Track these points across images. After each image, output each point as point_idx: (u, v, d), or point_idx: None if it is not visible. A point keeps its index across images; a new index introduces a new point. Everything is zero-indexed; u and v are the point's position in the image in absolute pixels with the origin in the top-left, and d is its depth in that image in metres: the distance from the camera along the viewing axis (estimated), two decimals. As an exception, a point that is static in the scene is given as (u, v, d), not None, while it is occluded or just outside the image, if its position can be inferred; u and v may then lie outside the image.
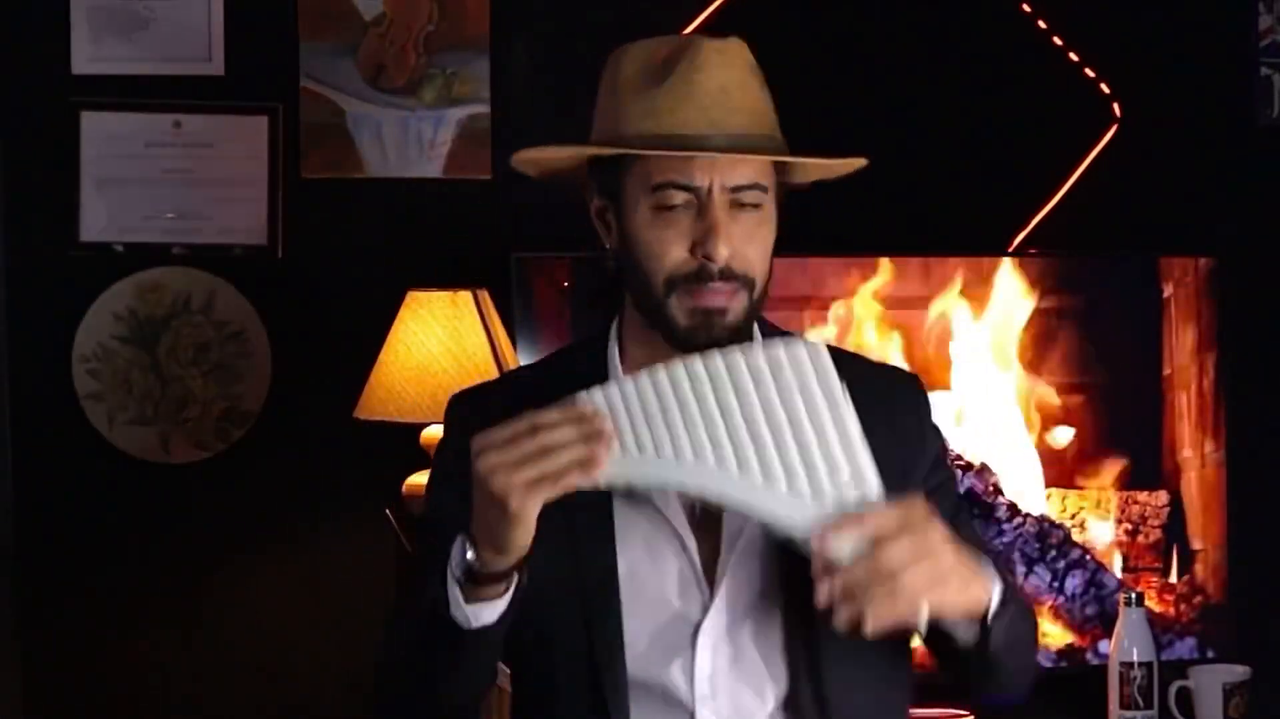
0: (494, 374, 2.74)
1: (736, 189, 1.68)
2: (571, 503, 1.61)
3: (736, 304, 1.68)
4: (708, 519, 1.71)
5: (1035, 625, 1.80)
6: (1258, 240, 3.27)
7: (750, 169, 1.69)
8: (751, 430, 1.57)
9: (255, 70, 3.07)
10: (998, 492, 3.03)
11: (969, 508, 1.83)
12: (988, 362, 3.06)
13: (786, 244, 3.24)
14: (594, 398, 1.58)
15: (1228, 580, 3.11)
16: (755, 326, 1.76)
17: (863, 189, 3.15)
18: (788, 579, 1.68)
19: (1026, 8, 3.22)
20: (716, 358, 1.58)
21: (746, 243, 1.69)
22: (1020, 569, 3.04)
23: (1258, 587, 3.19)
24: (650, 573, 1.70)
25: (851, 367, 1.73)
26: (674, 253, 1.67)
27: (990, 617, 1.60)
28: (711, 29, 3.08)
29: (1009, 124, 3.21)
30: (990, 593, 1.60)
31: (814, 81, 3.16)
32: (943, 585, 1.53)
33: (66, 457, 3.04)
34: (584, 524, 1.69)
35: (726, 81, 1.71)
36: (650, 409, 1.58)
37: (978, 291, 3.05)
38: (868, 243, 3.08)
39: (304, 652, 3.06)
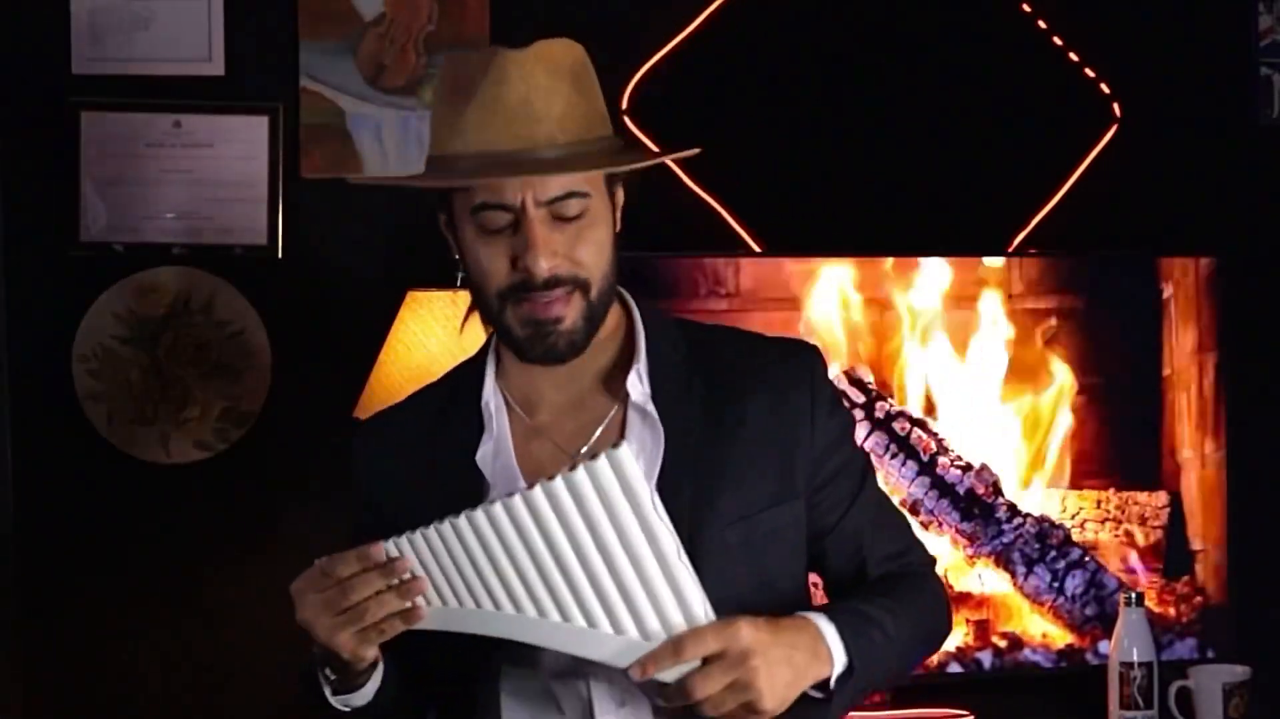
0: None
1: (552, 201, 1.68)
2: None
3: (571, 309, 1.69)
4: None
5: (927, 609, 1.81)
6: (1258, 240, 3.27)
7: (563, 179, 1.68)
8: (565, 572, 1.57)
9: (255, 70, 3.07)
10: (997, 492, 3.03)
11: (872, 476, 1.83)
12: (988, 361, 3.06)
13: (787, 244, 3.25)
14: (400, 546, 1.59)
15: (1228, 580, 3.11)
16: (635, 319, 1.78)
17: (863, 189, 3.17)
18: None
19: (1026, 8, 3.22)
20: (517, 501, 1.56)
21: (573, 248, 1.69)
22: (1020, 569, 3.04)
23: (1258, 587, 3.19)
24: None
25: (740, 343, 1.75)
26: (498, 268, 1.69)
27: (832, 684, 1.64)
28: (712, 29, 3.08)
29: (1009, 124, 3.21)
30: (829, 668, 1.64)
31: (814, 81, 3.16)
32: (759, 710, 1.58)
33: (66, 456, 3.04)
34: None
35: (528, 92, 1.70)
36: (459, 560, 1.58)
37: (977, 292, 3.05)
38: (868, 243, 3.08)
39: (303, 652, 3.06)
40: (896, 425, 2.98)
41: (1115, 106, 3.25)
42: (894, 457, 2.99)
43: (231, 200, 3.06)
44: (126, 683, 3.05)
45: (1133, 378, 3.11)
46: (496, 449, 1.75)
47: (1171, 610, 3.10)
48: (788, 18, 3.16)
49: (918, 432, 3.00)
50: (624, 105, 3.05)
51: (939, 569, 1.92)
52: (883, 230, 3.13)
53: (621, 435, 1.73)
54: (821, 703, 1.65)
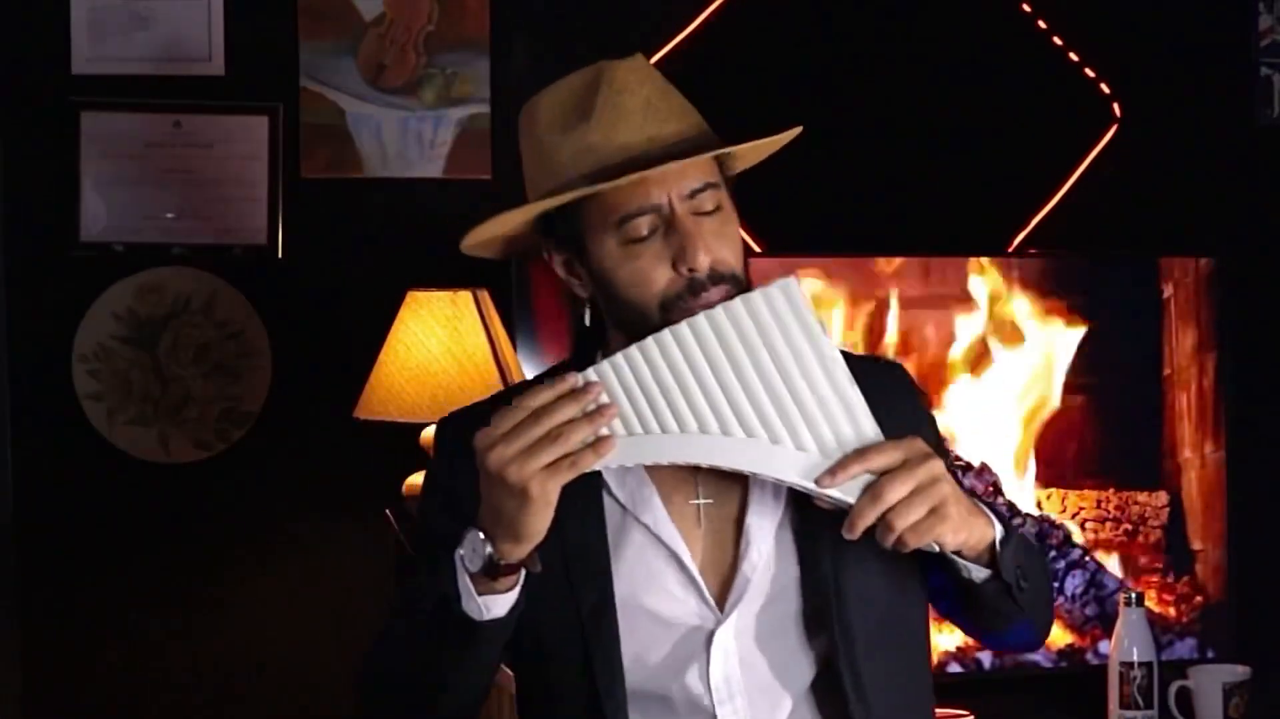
0: (494, 374, 2.74)
1: (693, 194, 1.67)
2: (565, 524, 1.62)
3: None
4: (713, 523, 1.72)
5: (1046, 562, 1.85)
6: (1258, 240, 3.27)
7: (699, 171, 1.68)
8: (746, 389, 1.59)
9: (255, 70, 3.07)
10: (998, 492, 3.03)
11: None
12: (986, 362, 3.06)
13: (787, 244, 3.25)
14: (587, 374, 1.59)
15: (1228, 580, 3.11)
16: None
17: (863, 189, 3.17)
18: (802, 581, 1.70)
19: (1026, 8, 3.22)
20: (700, 319, 1.60)
21: (720, 243, 1.68)
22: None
23: (1258, 587, 3.19)
24: (649, 591, 1.70)
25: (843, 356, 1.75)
26: (658, 277, 1.66)
27: (997, 547, 1.64)
28: (712, 29, 3.08)
29: (1009, 124, 3.21)
30: (993, 528, 1.65)
31: (814, 81, 3.16)
32: (943, 516, 1.58)
33: (66, 457, 3.04)
34: (578, 554, 1.70)
35: (649, 94, 1.69)
36: (645, 382, 1.59)
37: (977, 292, 3.05)
38: (868, 243, 3.08)
39: (304, 651, 3.06)
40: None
41: (1115, 106, 3.25)
42: (894, 457, 2.98)
43: (231, 200, 3.06)
44: (127, 682, 3.04)
45: (1133, 378, 3.11)
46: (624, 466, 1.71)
47: (1171, 610, 3.10)
48: (788, 18, 3.16)
49: (918, 432, 3.00)
50: (624, 105, 3.05)
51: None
52: (883, 230, 3.13)
53: None
54: (997, 591, 1.65)
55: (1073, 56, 3.23)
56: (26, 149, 3.03)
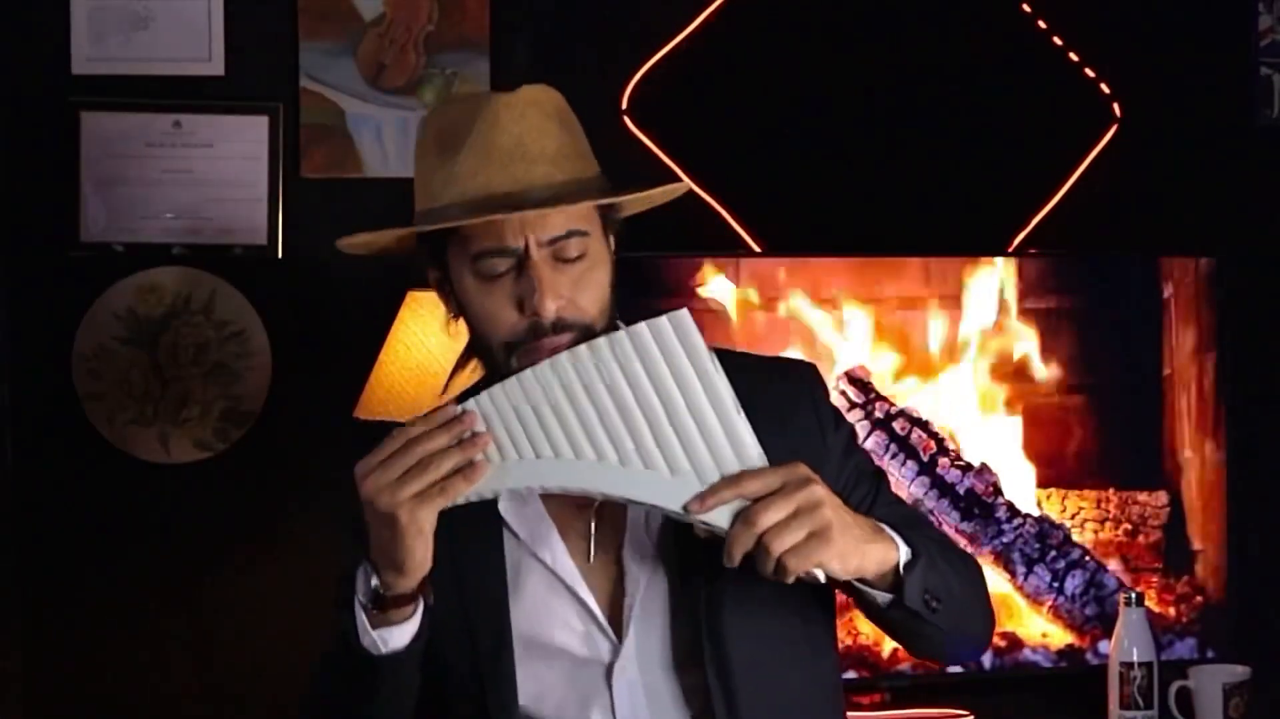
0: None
1: (554, 241, 1.66)
2: (463, 563, 1.65)
3: None
4: (603, 557, 1.72)
5: (973, 568, 1.79)
6: (1258, 240, 3.27)
7: (563, 218, 1.66)
8: (626, 419, 1.59)
9: (255, 70, 3.07)
10: (997, 492, 3.03)
11: (886, 481, 1.84)
12: (988, 361, 3.06)
13: (787, 244, 3.26)
14: (466, 405, 1.60)
15: (1228, 580, 3.11)
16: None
17: (863, 189, 3.17)
18: (698, 605, 1.69)
19: (1026, 8, 3.22)
20: (582, 352, 1.60)
21: (576, 291, 1.67)
22: (1020, 569, 3.03)
23: (1258, 587, 3.19)
24: (548, 627, 1.71)
25: (739, 368, 1.75)
26: (503, 317, 1.67)
27: (901, 570, 1.61)
28: (712, 29, 3.08)
29: (1009, 124, 3.21)
30: (897, 551, 1.62)
31: (814, 81, 3.16)
32: (825, 540, 1.54)
33: (66, 457, 3.04)
34: (475, 591, 1.71)
35: (522, 133, 1.67)
36: (523, 412, 1.59)
37: (977, 291, 3.05)
38: (868, 243, 3.08)
39: (304, 651, 3.05)
40: (896, 425, 2.98)
41: (1115, 106, 3.25)
42: (894, 457, 2.99)
43: (231, 200, 3.06)
44: (127, 682, 3.05)
45: (1133, 378, 3.11)
46: (522, 499, 1.73)
47: (1171, 610, 3.10)
48: (787, 18, 3.16)
49: (918, 431, 3.00)
50: (624, 105, 3.05)
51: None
52: (882, 230, 3.13)
53: None
54: (913, 616, 1.63)
55: (1073, 56, 3.23)
56: (26, 149, 3.03)
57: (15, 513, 3.03)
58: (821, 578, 1.57)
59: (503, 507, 1.72)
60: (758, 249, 3.06)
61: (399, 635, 1.63)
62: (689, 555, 1.69)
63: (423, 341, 2.76)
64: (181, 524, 3.06)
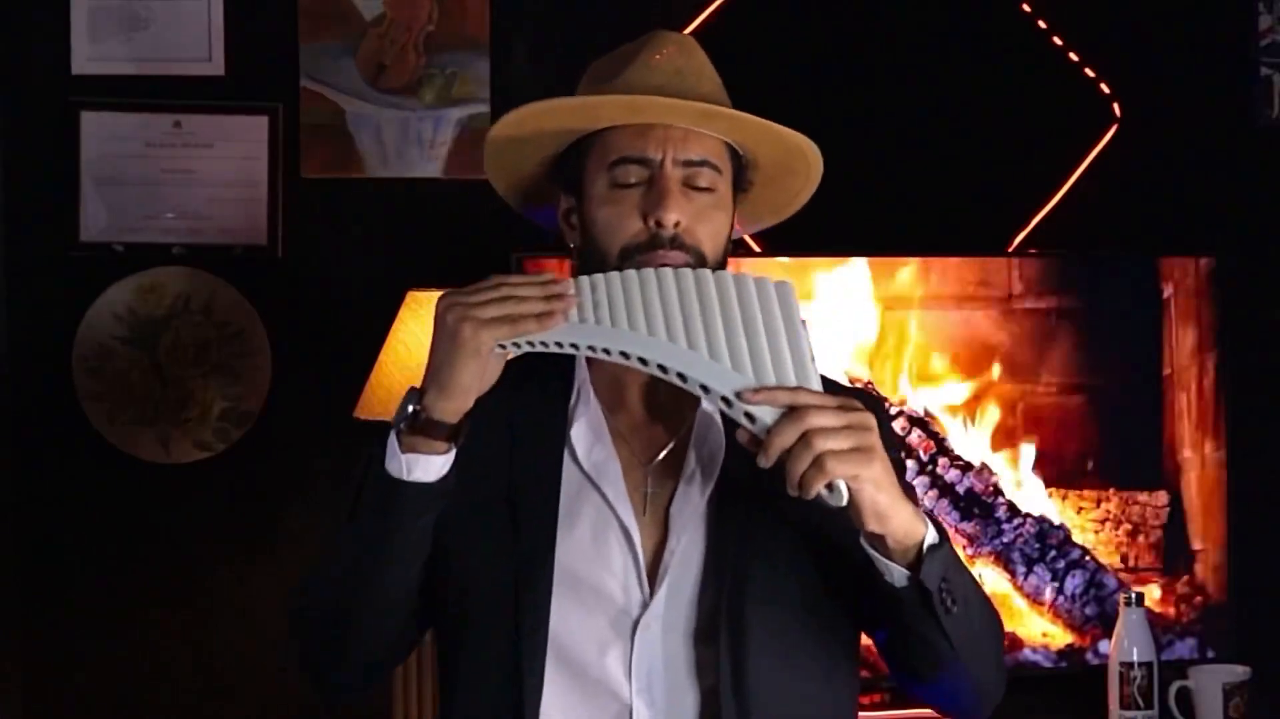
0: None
1: (689, 163, 1.71)
2: (521, 482, 1.66)
3: None
4: (654, 514, 1.72)
5: (991, 613, 1.74)
6: (1258, 240, 3.27)
7: (703, 145, 1.72)
8: (706, 319, 1.60)
9: (255, 70, 3.07)
10: (998, 492, 3.03)
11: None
12: (988, 361, 3.06)
13: (787, 244, 3.25)
14: (567, 281, 1.62)
15: (1228, 580, 3.11)
16: None
17: (863, 189, 3.17)
18: (723, 576, 1.68)
19: (1026, 8, 3.22)
20: (687, 273, 1.62)
21: (698, 220, 1.70)
22: (1020, 569, 3.04)
23: (1258, 587, 3.19)
24: (592, 564, 1.70)
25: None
26: (627, 224, 1.70)
27: (924, 550, 1.59)
28: (712, 29, 3.08)
29: (1009, 124, 3.21)
30: (925, 527, 1.60)
31: (813, 81, 3.16)
32: (869, 458, 1.53)
33: (66, 457, 3.04)
34: (527, 510, 1.71)
35: (684, 66, 1.75)
36: (615, 295, 1.61)
37: (977, 291, 3.05)
38: (868, 243, 3.08)
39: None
40: (896, 425, 2.98)
41: (1115, 106, 3.25)
42: (894, 457, 2.98)
43: (231, 200, 3.06)
44: (127, 683, 3.05)
45: (1133, 378, 3.11)
46: (595, 434, 1.74)
47: (1171, 610, 3.10)
48: (788, 18, 3.16)
49: (918, 431, 3.00)
50: (624, 105, 3.05)
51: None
52: (882, 230, 3.13)
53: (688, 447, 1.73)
54: (924, 600, 1.60)
55: (1073, 56, 3.23)
56: (26, 149, 3.04)
57: (15, 513, 3.03)
58: (845, 500, 1.54)
59: (575, 432, 1.73)
60: (758, 249, 3.06)
61: (425, 468, 1.62)
62: (729, 526, 1.69)
63: (423, 341, 2.75)
64: (181, 524, 3.06)
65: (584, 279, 1.62)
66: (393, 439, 1.62)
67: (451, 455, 1.64)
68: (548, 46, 3.11)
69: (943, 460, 3.00)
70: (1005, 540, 3.03)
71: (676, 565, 1.69)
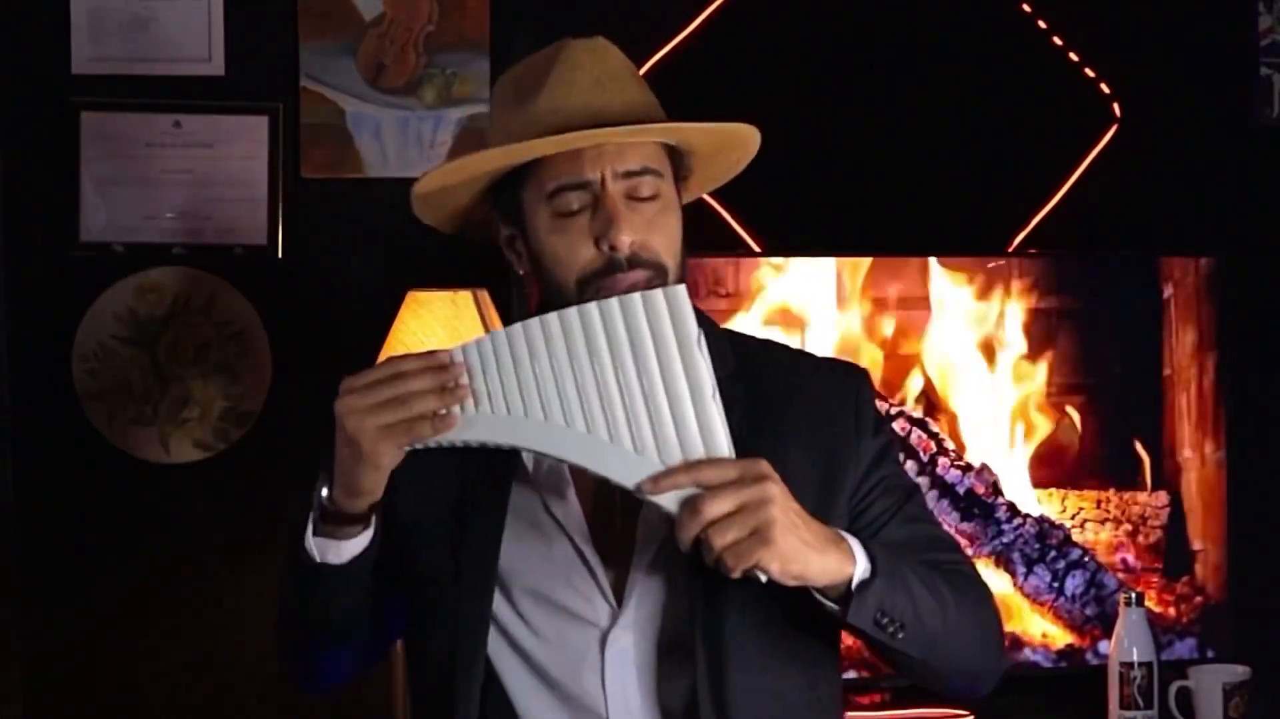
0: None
1: (629, 174, 1.67)
2: (467, 500, 1.67)
3: None
4: (610, 531, 1.71)
5: (979, 614, 1.74)
6: (1258, 240, 3.27)
7: (639, 154, 1.68)
8: (601, 389, 1.58)
9: (255, 70, 3.07)
10: (997, 492, 3.03)
11: (917, 500, 1.80)
12: (985, 362, 3.06)
13: (786, 244, 3.25)
14: (455, 352, 1.60)
15: (1228, 580, 3.11)
16: None
17: (863, 189, 3.17)
18: (694, 590, 1.67)
19: (1026, 8, 3.22)
20: (572, 312, 1.59)
21: (650, 231, 1.67)
22: (1020, 569, 3.04)
23: (1258, 587, 3.19)
24: (554, 583, 1.70)
25: (787, 360, 1.73)
26: (580, 253, 1.66)
27: (854, 588, 1.58)
28: (712, 29, 3.09)
29: (1009, 124, 3.21)
30: (852, 565, 1.58)
31: (814, 81, 3.16)
32: (766, 540, 1.52)
33: (66, 457, 3.04)
34: (474, 525, 1.71)
35: (602, 74, 1.71)
36: (505, 366, 1.59)
37: (977, 291, 3.05)
38: (868, 243, 3.08)
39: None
40: (896, 425, 2.99)
41: (1115, 106, 3.25)
42: (894, 457, 2.98)
43: (231, 200, 3.06)
44: (127, 683, 3.05)
45: (1133, 378, 3.11)
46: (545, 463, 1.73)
47: (1171, 610, 3.10)
48: (788, 17, 3.16)
49: (918, 432, 3.00)
50: (624, 105, 3.05)
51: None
52: (882, 230, 3.13)
53: None
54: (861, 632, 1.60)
55: (1073, 56, 3.23)
56: (26, 149, 3.03)
57: (15, 513, 3.03)
58: (763, 578, 1.55)
59: (526, 454, 1.71)
60: (758, 249, 3.06)
61: (336, 552, 1.65)
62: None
63: (423, 341, 2.76)
64: (181, 524, 3.06)
65: (472, 348, 1.59)
66: (310, 521, 1.65)
67: (369, 533, 1.65)
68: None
69: (943, 460, 3.00)
70: (1005, 540, 3.03)
71: (645, 575, 1.69)
